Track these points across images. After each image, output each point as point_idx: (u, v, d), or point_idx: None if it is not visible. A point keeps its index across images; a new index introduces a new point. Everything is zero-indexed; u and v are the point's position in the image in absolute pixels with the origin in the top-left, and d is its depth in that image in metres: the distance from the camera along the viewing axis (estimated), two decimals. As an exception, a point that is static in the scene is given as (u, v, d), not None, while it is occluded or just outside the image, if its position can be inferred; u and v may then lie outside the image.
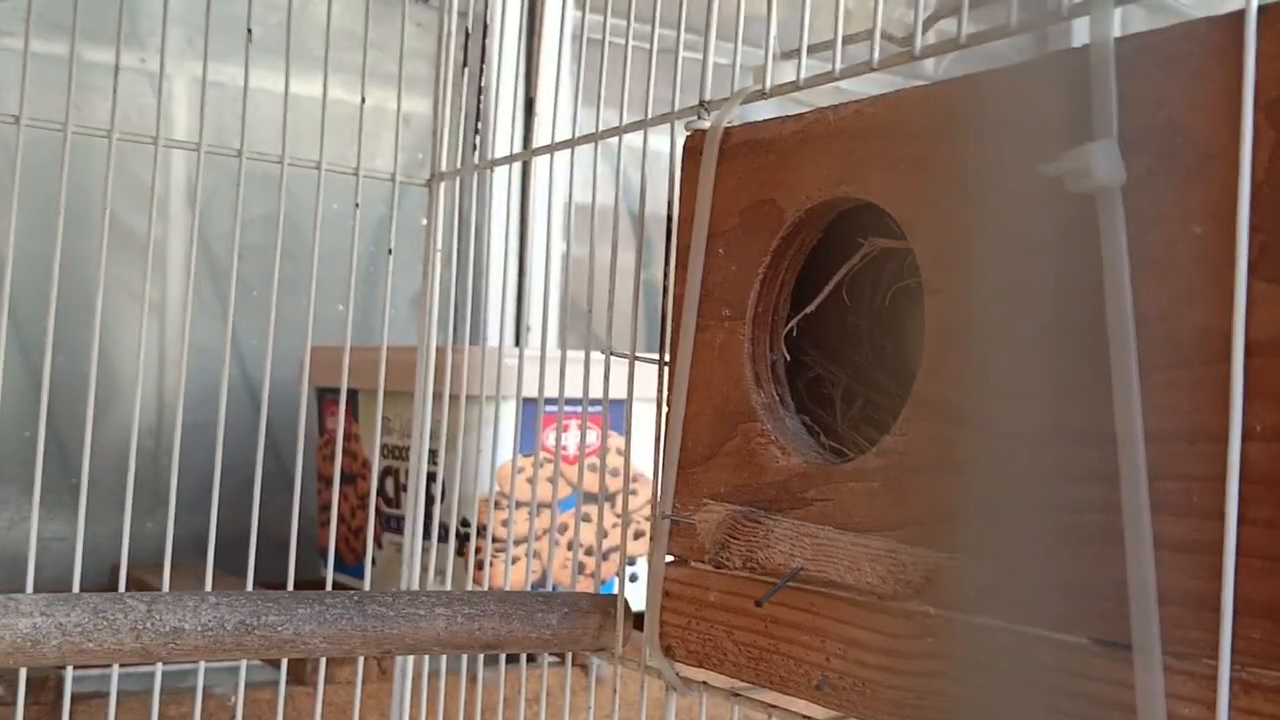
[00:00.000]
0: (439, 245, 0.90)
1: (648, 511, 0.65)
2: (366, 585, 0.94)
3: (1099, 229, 0.38)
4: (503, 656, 0.80)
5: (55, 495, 1.25)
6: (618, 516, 1.15)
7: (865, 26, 0.55)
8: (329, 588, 1.08)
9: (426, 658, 0.90)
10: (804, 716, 0.54)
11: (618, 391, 0.67)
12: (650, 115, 0.66)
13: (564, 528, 1.15)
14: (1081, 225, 0.38)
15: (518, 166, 1.48)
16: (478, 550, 1.13)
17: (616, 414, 1.11)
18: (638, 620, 0.62)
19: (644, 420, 0.66)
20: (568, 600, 0.61)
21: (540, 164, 0.80)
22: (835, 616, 0.51)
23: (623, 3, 0.69)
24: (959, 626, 0.45)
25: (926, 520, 0.47)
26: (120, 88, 0.78)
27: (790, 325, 0.58)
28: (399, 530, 1.20)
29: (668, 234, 0.63)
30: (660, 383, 0.62)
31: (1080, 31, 0.41)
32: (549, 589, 0.80)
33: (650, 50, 0.65)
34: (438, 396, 0.89)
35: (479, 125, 0.89)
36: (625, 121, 0.69)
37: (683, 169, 0.61)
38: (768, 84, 0.59)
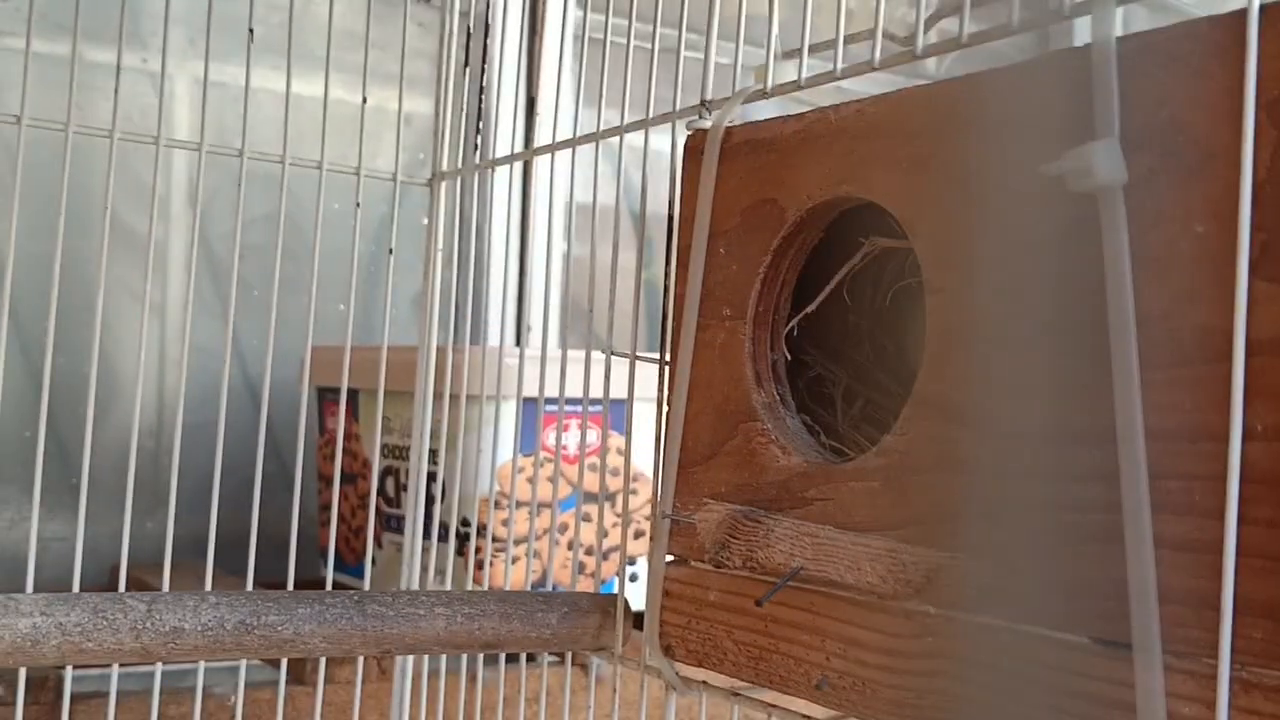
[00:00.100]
0: (440, 245, 0.90)
1: (648, 511, 0.65)
2: (366, 585, 0.94)
3: (1100, 228, 0.38)
4: (502, 656, 0.80)
5: (55, 495, 1.25)
6: (618, 516, 1.15)
7: (867, 26, 0.55)
8: (329, 587, 1.08)
9: (426, 657, 0.90)
10: (804, 716, 0.54)
11: (618, 391, 0.67)
12: (651, 115, 0.66)
13: (564, 527, 1.15)
14: (1083, 224, 0.38)
15: (519, 166, 1.48)
16: (478, 550, 1.13)
17: (617, 414, 1.11)
18: (637, 620, 0.62)
19: (644, 420, 0.66)
20: (567, 600, 0.61)
21: (541, 163, 0.80)
22: (835, 616, 0.50)
23: (624, 2, 0.69)
24: (959, 626, 0.45)
25: (927, 520, 0.47)
26: (122, 87, 0.78)
27: (791, 325, 0.58)
28: (399, 530, 1.20)
29: (669, 234, 0.63)
30: (661, 382, 0.62)
31: (1082, 31, 0.41)
32: (549, 589, 0.80)
33: (652, 50, 0.65)
34: (438, 396, 0.89)
35: (480, 125, 0.89)
36: (626, 121, 0.69)
37: (684, 168, 0.61)
38: (769, 83, 0.59)
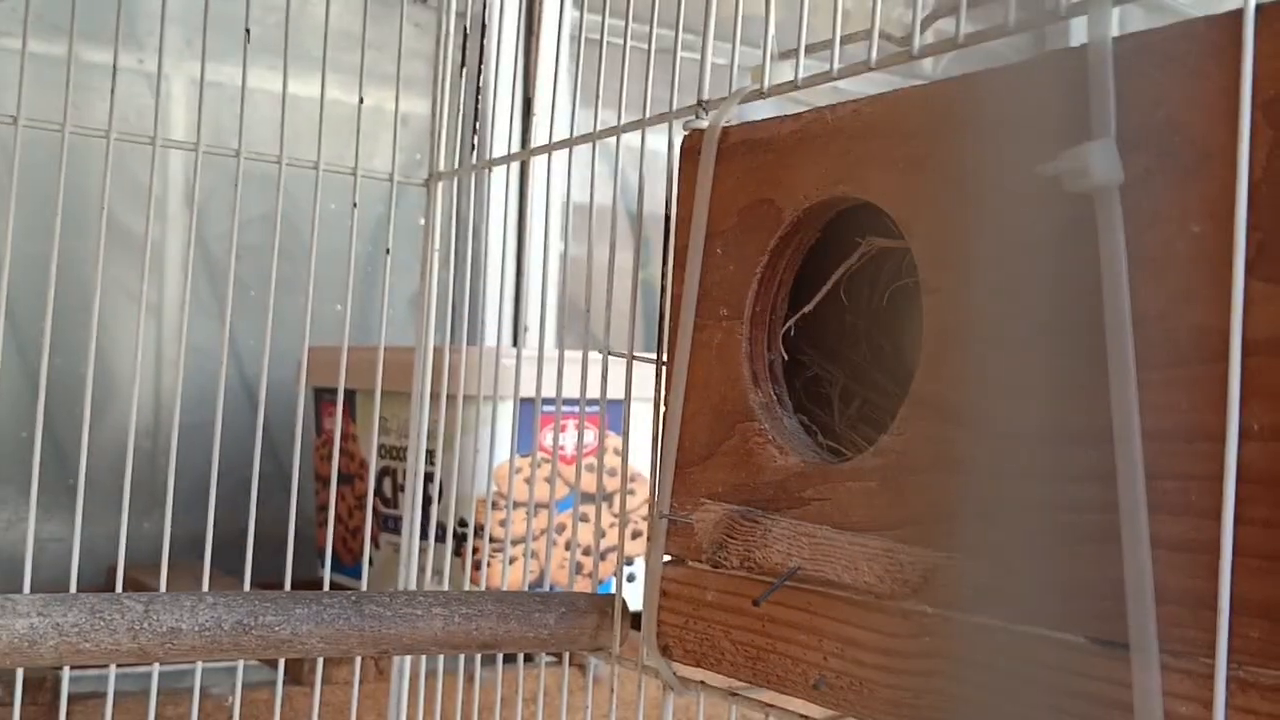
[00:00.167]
0: (437, 245, 0.90)
1: (645, 511, 0.65)
2: (364, 585, 0.94)
3: (1097, 228, 0.38)
4: (500, 656, 0.80)
5: (52, 496, 1.24)
6: (615, 516, 1.15)
7: (863, 26, 0.55)
8: (326, 588, 1.08)
9: (424, 658, 0.89)
10: (801, 716, 0.54)
11: (615, 391, 0.67)
12: (648, 115, 0.66)
13: (561, 528, 1.15)
14: (1079, 225, 0.39)
15: (516, 166, 1.48)
16: (475, 550, 1.13)
17: (614, 414, 1.11)
18: (635, 620, 0.62)
19: (642, 420, 0.66)
20: (565, 600, 0.61)
21: (538, 164, 0.80)
22: (833, 616, 0.51)
23: (621, 3, 0.69)
24: (956, 626, 0.45)
25: (924, 519, 0.47)
26: (118, 88, 0.77)
27: (788, 325, 0.58)
28: (396, 530, 1.20)
29: (665, 234, 0.63)
30: (658, 382, 0.62)
31: (1078, 31, 0.41)
32: (546, 589, 0.80)
33: (648, 50, 0.65)
34: (435, 396, 0.89)
35: (477, 125, 0.89)
36: (623, 121, 0.69)
37: (680, 169, 0.61)
38: (766, 84, 0.59)
